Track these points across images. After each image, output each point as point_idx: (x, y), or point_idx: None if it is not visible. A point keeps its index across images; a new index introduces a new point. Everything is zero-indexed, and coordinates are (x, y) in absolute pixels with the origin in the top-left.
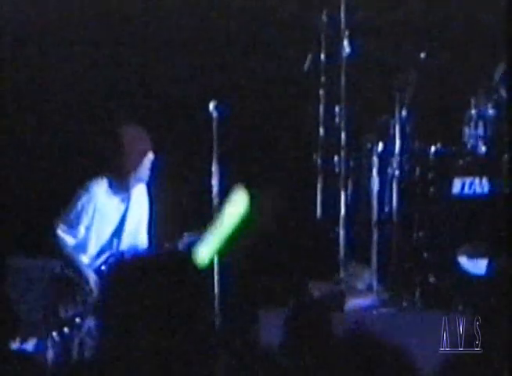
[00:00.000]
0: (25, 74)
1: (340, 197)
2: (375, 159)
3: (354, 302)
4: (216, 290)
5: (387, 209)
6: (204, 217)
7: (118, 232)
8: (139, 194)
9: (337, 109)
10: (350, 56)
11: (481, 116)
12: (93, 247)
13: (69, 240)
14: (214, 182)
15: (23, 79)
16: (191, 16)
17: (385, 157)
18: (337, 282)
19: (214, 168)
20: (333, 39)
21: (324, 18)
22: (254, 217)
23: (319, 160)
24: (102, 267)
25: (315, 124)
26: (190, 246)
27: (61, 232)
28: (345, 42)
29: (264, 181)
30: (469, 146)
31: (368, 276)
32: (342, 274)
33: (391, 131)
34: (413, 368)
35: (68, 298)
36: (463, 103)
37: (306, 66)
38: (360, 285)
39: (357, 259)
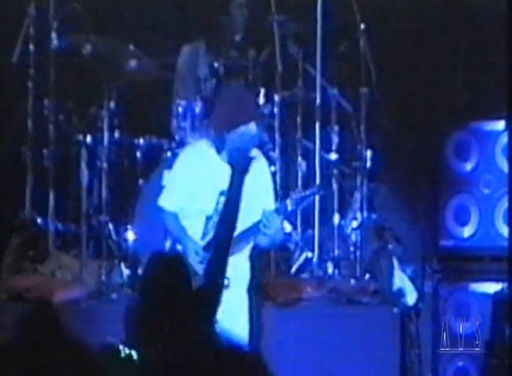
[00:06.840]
0: None
1: (49, 189)
2: (84, 152)
3: (64, 294)
4: None
5: (96, 202)
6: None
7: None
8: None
9: (46, 102)
10: (58, 48)
11: (188, 108)
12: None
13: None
14: None
15: None
16: None
17: (94, 150)
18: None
19: None
20: (41, 31)
21: (32, 11)
22: None
23: (28, 154)
24: None
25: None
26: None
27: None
28: (53, 35)
29: None
30: (177, 138)
31: (78, 268)
32: (52, 266)
33: (100, 123)
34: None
35: None
36: (171, 95)
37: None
38: (70, 277)
39: (67, 251)
